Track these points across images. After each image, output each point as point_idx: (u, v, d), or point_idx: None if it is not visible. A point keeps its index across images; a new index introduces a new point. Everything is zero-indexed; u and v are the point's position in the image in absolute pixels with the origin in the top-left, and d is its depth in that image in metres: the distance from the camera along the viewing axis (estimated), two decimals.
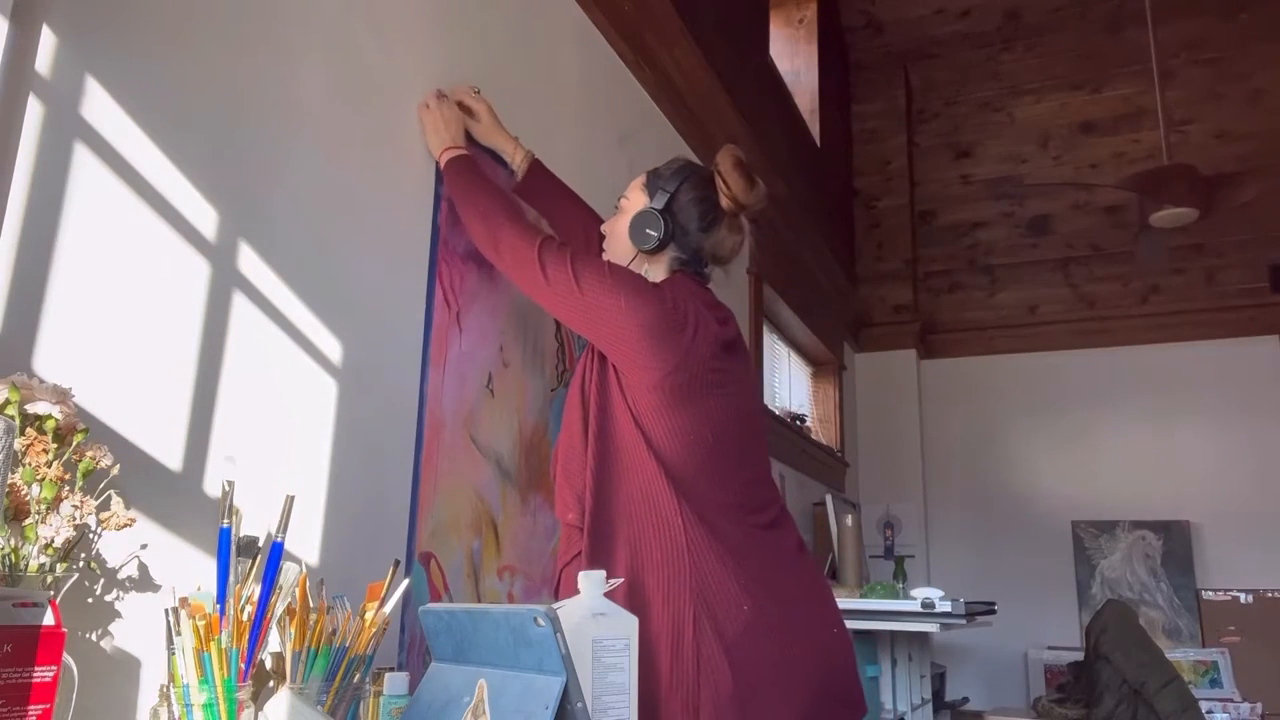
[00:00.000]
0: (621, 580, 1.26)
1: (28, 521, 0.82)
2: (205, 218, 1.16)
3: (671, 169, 1.48)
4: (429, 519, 1.49)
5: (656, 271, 1.45)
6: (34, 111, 0.96)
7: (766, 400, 3.51)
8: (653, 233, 1.42)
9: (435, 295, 1.57)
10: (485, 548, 1.64)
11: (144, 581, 1.02)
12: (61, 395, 0.87)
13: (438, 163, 1.59)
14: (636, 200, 1.48)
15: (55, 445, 0.85)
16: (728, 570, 1.25)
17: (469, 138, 1.67)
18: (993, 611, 3.21)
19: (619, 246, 1.48)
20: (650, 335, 1.28)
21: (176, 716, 0.87)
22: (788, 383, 4.11)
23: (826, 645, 1.31)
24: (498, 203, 1.44)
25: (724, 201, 1.44)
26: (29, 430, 0.84)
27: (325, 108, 1.37)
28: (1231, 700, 3.65)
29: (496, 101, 1.84)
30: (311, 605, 1.00)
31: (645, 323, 1.28)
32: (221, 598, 0.93)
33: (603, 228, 1.56)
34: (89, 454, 0.89)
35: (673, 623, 1.22)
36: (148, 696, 1.00)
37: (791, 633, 1.27)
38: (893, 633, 3.00)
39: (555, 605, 1.03)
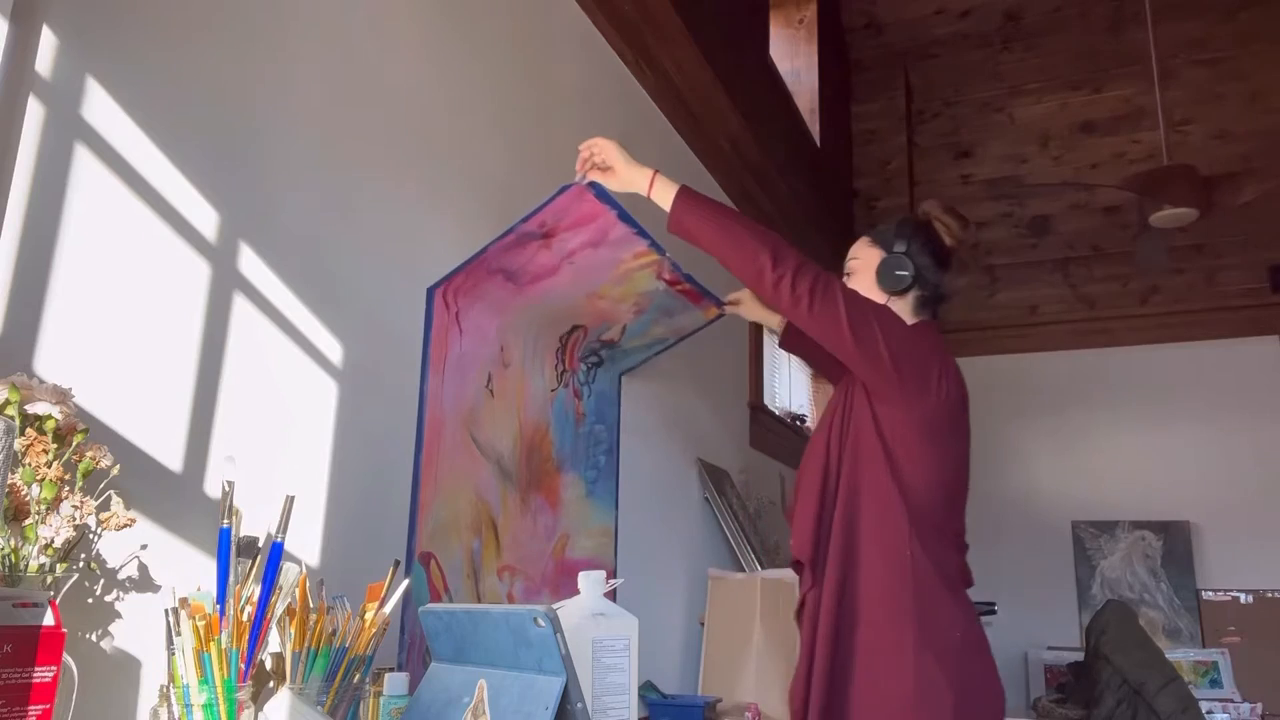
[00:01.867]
0: (622, 580, 1.33)
1: (28, 522, 0.82)
2: (205, 218, 1.16)
3: (894, 225, 1.65)
4: (429, 519, 1.49)
5: (904, 314, 1.57)
6: (34, 111, 0.96)
7: (766, 400, 3.52)
8: (904, 274, 1.57)
9: (435, 297, 1.57)
10: (485, 548, 1.64)
11: (144, 581, 1.02)
12: (61, 395, 0.86)
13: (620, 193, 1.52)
14: (870, 256, 1.64)
15: (55, 445, 0.85)
16: (944, 599, 1.39)
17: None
18: (993, 612, 3.21)
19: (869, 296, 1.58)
20: (907, 369, 1.44)
21: (176, 717, 0.87)
22: (788, 383, 4.11)
23: (997, 680, 1.46)
24: (751, 232, 1.48)
25: (947, 240, 1.62)
26: (29, 430, 0.84)
27: (325, 108, 1.37)
28: (1231, 700, 3.65)
29: (495, 103, 1.85)
30: (311, 605, 1.00)
31: (900, 358, 1.44)
32: (221, 598, 0.93)
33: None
34: (89, 454, 0.89)
35: (895, 642, 1.37)
36: (148, 697, 1.00)
37: (988, 662, 1.43)
38: None
39: (555, 605, 1.03)
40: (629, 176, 1.53)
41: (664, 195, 1.51)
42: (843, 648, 1.41)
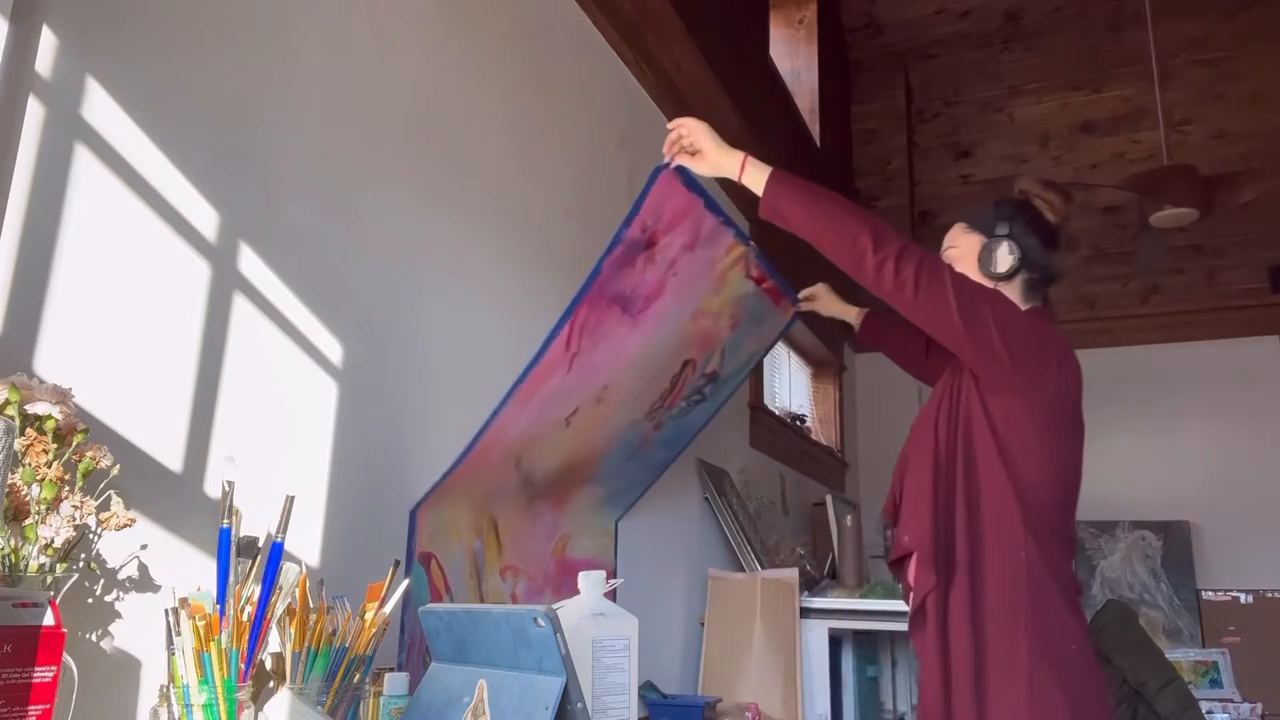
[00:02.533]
0: (622, 580, 1.30)
1: (28, 522, 0.82)
2: (205, 218, 1.16)
3: (989, 206, 1.54)
4: (429, 519, 1.49)
5: (1014, 300, 1.49)
6: (34, 111, 0.96)
7: (766, 400, 3.51)
8: (1011, 256, 1.48)
9: (560, 333, 1.44)
10: (487, 548, 1.64)
11: (144, 581, 1.02)
12: (61, 395, 0.86)
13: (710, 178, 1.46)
14: (969, 242, 1.54)
15: (55, 445, 0.85)
16: (1061, 608, 1.31)
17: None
18: None
19: None
20: (1023, 358, 1.35)
21: (176, 717, 0.87)
22: (788, 383, 4.11)
23: (1107, 702, 1.39)
24: (850, 214, 1.39)
25: (1050, 217, 1.52)
26: (29, 430, 0.84)
27: (325, 108, 1.37)
28: (1231, 700, 3.65)
29: (496, 102, 1.85)
30: (311, 605, 1.00)
31: (1015, 346, 1.34)
32: (221, 598, 0.93)
33: None
34: (89, 454, 0.89)
35: (1009, 649, 1.29)
36: (148, 697, 1.00)
37: (1101, 682, 1.35)
38: (892, 633, 3.00)
39: (555, 605, 1.03)
40: (719, 160, 1.44)
41: (756, 179, 1.42)
42: (973, 651, 1.34)
